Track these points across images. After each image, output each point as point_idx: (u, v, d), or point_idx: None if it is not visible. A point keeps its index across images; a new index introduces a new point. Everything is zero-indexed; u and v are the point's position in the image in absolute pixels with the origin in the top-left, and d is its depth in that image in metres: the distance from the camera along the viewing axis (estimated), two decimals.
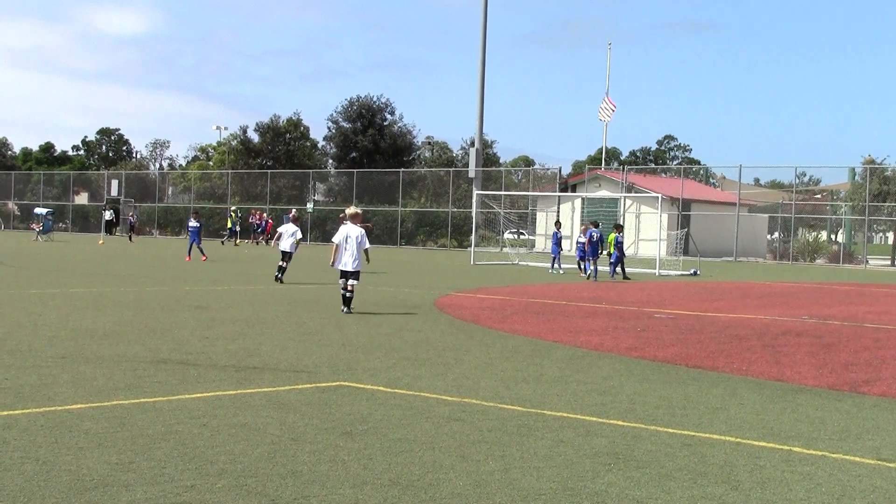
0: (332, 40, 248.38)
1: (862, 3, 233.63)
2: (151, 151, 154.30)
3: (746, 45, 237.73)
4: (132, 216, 75.23)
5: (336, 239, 18.90)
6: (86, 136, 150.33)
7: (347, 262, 18.60)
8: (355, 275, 18.68)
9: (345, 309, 18.52)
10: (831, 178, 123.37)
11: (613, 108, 73.83)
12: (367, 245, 19.00)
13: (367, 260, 19.27)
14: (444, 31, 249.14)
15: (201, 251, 40.12)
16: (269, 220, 66.39)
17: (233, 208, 69.97)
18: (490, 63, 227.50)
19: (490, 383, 10.93)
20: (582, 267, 36.79)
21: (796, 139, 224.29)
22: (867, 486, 7.01)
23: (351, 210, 19.38)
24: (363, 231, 18.97)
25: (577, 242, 37.44)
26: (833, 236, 75.23)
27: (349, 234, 18.68)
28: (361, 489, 6.45)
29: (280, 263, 27.08)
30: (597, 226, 37.81)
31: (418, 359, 12.71)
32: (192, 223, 40.99)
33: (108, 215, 78.39)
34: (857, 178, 64.03)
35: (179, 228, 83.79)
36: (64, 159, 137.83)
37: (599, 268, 35.67)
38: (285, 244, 27.03)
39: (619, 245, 35.93)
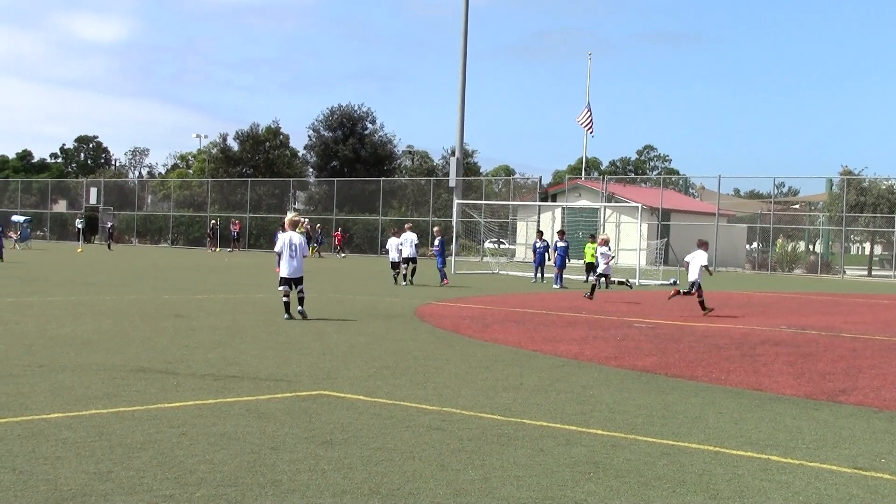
0: (313, 49, 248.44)
1: (841, 16, 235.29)
2: (130, 159, 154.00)
3: (726, 55, 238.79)
4: (110, 224, 74.79)
5: (278, 247, 19.24)
6: (64, 144, 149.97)
7: (293, 269, 18.85)
8: (300, 280, 18.92)
9: (286, 316, 18.63)
10: (809, 189, 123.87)
11: (590, 118, 73.89)
12: (307, 252, 19.45)
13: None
14: (425, 41, 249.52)
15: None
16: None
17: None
18: (471, 73, 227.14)
19: (470, 392, 10.94)
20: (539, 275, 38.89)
21: (775, 150, 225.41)
22: (844, 495, 7.05)
23: (290, 217, 19.62)
24: (303, 238, 19.49)
25: (557, 247, 37.43)
26: (811, 246, 75.48)
27: (291, 241, 18.90)
28: (341, 498, 6.44)
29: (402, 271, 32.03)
30: (563, 234, 37.94)
31: (398, 368, 12.70)
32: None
33: (79, 224, 77.39)
34: (834, 188, 64.29)
35: (159, 237, 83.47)
36: (42, 167, 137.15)
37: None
38: (408, 251, 31.84)
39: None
